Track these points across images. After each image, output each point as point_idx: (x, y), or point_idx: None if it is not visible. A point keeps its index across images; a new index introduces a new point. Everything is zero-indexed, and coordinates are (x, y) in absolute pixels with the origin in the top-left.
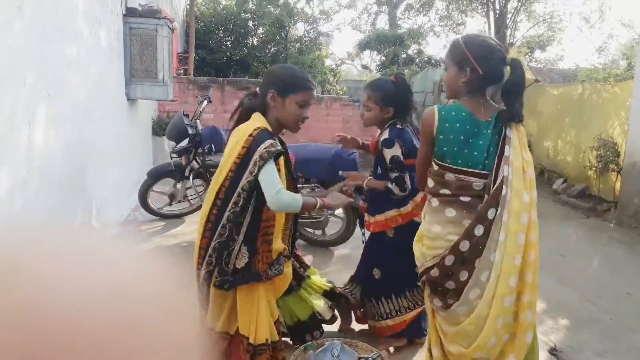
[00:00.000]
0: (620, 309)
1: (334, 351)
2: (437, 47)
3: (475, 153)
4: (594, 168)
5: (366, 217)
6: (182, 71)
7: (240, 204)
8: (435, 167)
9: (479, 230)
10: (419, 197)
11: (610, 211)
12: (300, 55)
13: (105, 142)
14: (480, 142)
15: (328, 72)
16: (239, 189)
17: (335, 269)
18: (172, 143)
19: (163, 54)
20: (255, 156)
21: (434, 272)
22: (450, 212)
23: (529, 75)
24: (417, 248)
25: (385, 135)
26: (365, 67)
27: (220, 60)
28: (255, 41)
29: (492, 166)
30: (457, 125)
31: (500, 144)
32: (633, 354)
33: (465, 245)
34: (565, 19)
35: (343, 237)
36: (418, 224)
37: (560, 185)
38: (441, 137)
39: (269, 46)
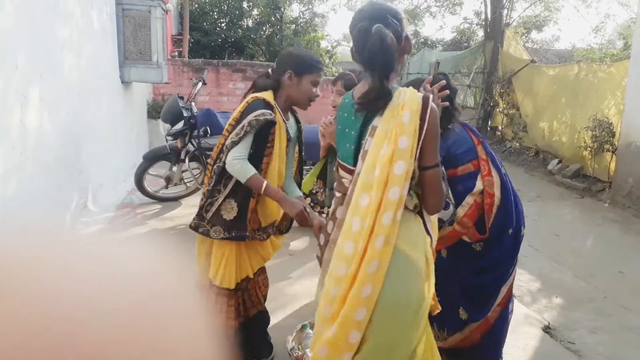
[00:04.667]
0: (614, 287)
1: None
2: (433, 28)
3: (347, 145)
4: (589, 148)
5: None
6: (176, 53)
7: (223, 160)
8: None
9: (329, 228)
10: (462, 212)
11: (604, 191)
12: (295, 37)
13: (100, 124)
14: (353, 133)
15: (324, 54)
16: (223, 147)
17: None
18: (168, 126)
19: (157, 36)
20: (245, 121)
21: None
22: (332, 207)
23: (524, 56)
24: None
25: None
26: None
27: (215, 42)
28: (250, 23)
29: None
30: (342, 114)
31: (368, 134)
32: (626, 331)
33: (322, 240)
34: None
35: None
36: (468, 244)
37: (555, 166)
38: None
39: (263, 28)
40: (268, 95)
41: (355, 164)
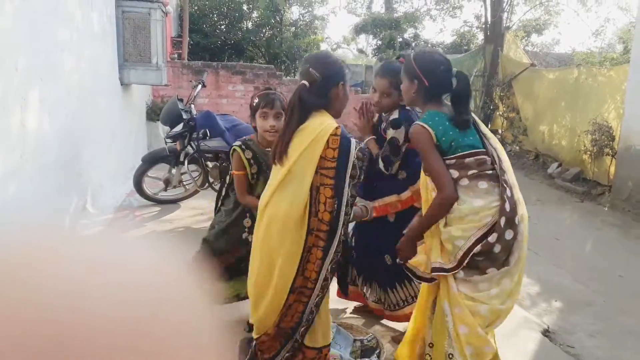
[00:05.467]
0: (613, 291)
1: None
2: (433, 31)
3: (471, 138)
4: (588, 152)
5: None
6: (176, 55)
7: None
8: (453, 161)
9: (508, 193)
10: (418, 184)
11: (604, 195)
12: (295, 39)
13: (99, 127)
14: (467, 130)
15: None
16: (347, 198)
17: None
18: (167, 128)
19: (157, 38)
20: (352, 159)
21: (492, 238)
22: (483, 185)
23: (524, 60)
24: (454, 230)
25: (395, 115)
26: (361, 51)
27: (214, 45)
28: (249, 25)
29: (483, 144)
30: (447, 123)
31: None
32: (625, 335)
33: (507, 207)
34: (562, 2)
35: None
36: (417, 209)
37: (555, 170)
38: (444, 139)
39: (263, 30)
40: (332, 118)
41: (484, 147)
